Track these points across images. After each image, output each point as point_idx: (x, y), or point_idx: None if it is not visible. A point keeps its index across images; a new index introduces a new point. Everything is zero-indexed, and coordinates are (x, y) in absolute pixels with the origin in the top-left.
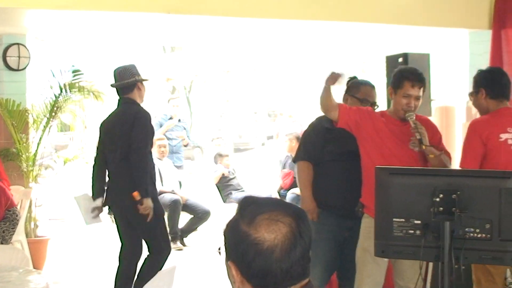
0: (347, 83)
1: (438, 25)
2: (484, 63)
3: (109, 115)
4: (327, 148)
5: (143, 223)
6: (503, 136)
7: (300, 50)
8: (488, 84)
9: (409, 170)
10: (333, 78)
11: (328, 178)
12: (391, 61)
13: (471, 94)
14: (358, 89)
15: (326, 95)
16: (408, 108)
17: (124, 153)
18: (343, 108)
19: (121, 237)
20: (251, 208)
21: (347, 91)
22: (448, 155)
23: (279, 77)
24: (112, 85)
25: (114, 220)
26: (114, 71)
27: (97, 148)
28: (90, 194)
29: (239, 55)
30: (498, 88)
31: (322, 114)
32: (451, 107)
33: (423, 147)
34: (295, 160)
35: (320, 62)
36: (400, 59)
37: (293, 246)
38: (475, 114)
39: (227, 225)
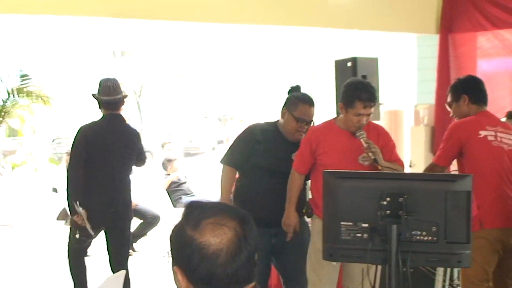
0: (289, 92)
1: (387, 29)
2: (432, 67)
3: (101, 127)
4: (253, 160)
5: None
6: (482, 133)
7: (250, 55)
8: (470, 90)
9: (356, 174)
10: None
11: (251, 189)
12: (340, 65)
13: (450, 103)
14: (296, 107)
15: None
16: (360, 125)
17: (130, 167)
18: (300, 167)
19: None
20: (196, 212)
21: (286, 104)
22: (401, 164)
23: (229, 82)
24: (104, 99)
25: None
26: (103, 83)
27: (79, 154)
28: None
29: (190, 60)
30: (479, 93)
31: (268, 118)
32: (399, 111)
33: (379, 167)
34: (221, 160)
35: (271, 66)
36: (349, 64)
37: (238, 250)
38: (423, 118)
39: (173, 230)
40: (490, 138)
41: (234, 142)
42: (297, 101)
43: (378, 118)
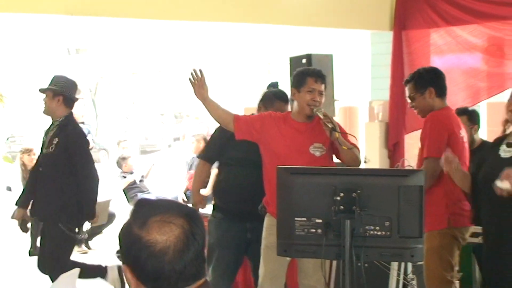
0: (268, 88)
1: (341, 26)
2: (386, 64)
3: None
4: (228, 153)
5: None
6: (461, 133)
7: (206, 51)
8: (436, 82)
9: (310, 170)
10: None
11: (227, 183)
12: (295, 62)
13: (413, 96)
14: (272, 103)
15: (210, 109)
16: (314, 102)
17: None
18: (239, 120)
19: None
20: (144, 210)
21: (262, 100)
22: (358, 148)
23: (185, 79)
24: (74, 97)
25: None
26: (70, 81)
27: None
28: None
29: (145, 57)
30: (443, 86)
31: None
32: (354, 107)
33: (336, 135)
34: (198, 156)
35: (227, 64)
36: (304, 60)
37: (185, 247)
38: (377, 114)
39: (121, 229)
40: (464, 139)
41: (210, 138)
42: (273, 97)
43: (333, 114)
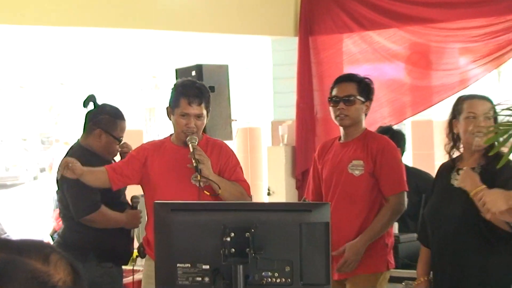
0: (85, 104)
1: (235, 32)
2: (290, 76)
3: None
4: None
5: None
6: None
7: (82, 63)
8: (372, 94)
9: (194, 206)
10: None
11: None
12: (182, 74)
13: (353, 100)
14: (115, 126)
15: (89, 180)
16: (188, 129)
17: None
18: (111, 170)
19: None
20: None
21: (96, 123)
22: (245, 186)
23: (52, 96)
24: None
25: None
26: None
27: None
28: None
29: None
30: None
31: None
32: (255, 128)
33: (198, 177)
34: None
35: (104, 77)
36: (193, 72)
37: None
38: (282, 136)
39: None
40: None
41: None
42: (114, 119)
43: (229, 137)
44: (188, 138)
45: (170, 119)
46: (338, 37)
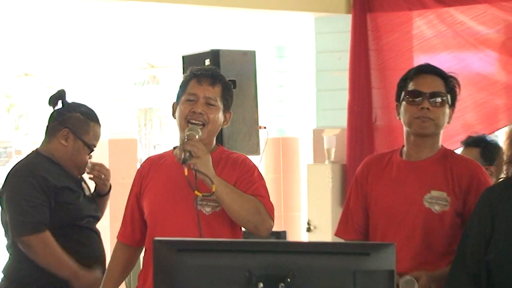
0: (52, 101)
1: (264, 7)
2: (340, 68)
3: None
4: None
5: None
6: None
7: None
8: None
9: (209, 244)
10: None
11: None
12: (192, 63)
13: (444, 101)
14: (87, 128)
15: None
16: (194, 115)
17: None
18: (124, 238)
19: None
20: None
21: (63, 122)
22: (265, 202)
23: (11, 91)
24: None
25: None
26: None
27: None
28: None
29: None
30: None
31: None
32: (291, 138)
33: (185, 172)
34: None
35: (83, 66)
36: (207, 61)
37: None
38: (328, 150)
39: None
40: None
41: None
42: (87, 119)
43: (256, 151)
44: (187, 129)
45: (175, 118)
46: (406, 16)
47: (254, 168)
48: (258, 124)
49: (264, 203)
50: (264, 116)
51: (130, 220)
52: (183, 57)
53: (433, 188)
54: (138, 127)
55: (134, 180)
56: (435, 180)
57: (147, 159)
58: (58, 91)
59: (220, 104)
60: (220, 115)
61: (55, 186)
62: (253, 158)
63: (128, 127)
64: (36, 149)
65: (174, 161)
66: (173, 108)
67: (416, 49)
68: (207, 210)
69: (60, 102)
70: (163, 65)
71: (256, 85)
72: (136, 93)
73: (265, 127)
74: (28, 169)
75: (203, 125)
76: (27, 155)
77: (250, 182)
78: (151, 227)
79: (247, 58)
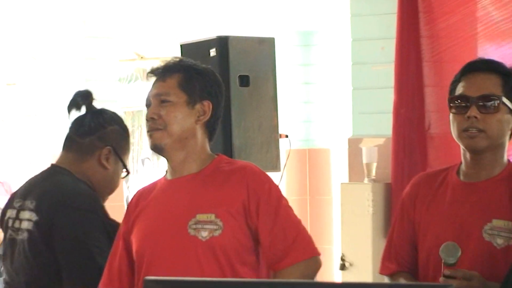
0: (74, 106)
1: None
2: (383, 59)
3: None
4: None
5: None
6: None
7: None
8: None
9: (217, 285)
10: None
11: None
12: (193, 52)
13: (497, 106)
14: (128, 149)
15: None
16: (148, 127)
17: None
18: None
19: None
20: None
21: (104, 139)
22: (307, 254)
23: None
24: None
25: None
26: None
27: None
28: None
29: None
30: None
31: None
32: (321, 150)
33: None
34: None
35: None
36: (213, 51)
37: None
38: (368, 166)
39: None
40: None
41: None
42: (125, 135)
43: (275, 167)
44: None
45: None
46: None
47: (271, 183)
48: (278, 132)
49: (306, 255)
50: (285, 122)
51: (117, 270)
52: (181, 45)
53: (495, 216)
54: None
55: (123, 218)
56: (498, 206)
57: (136, 192)
58: (81, 92)
59: (179, 96)
60: (185, 110)
61: (111, 224)
62: (271, 175)
63: None
64: (66, 168)
65: (165, 183)
66: None
67: (481, 36)
68: (203, 235)
69: (84, 106)
70: (155, 56)
71: (276, 82)
72: (121, 91)
73: (286, 136)
74: (86, 202)
75: (161, 130)
76: (45, 177)
77: (274, 217)
78: (139, 266)
79: (264, 48)
